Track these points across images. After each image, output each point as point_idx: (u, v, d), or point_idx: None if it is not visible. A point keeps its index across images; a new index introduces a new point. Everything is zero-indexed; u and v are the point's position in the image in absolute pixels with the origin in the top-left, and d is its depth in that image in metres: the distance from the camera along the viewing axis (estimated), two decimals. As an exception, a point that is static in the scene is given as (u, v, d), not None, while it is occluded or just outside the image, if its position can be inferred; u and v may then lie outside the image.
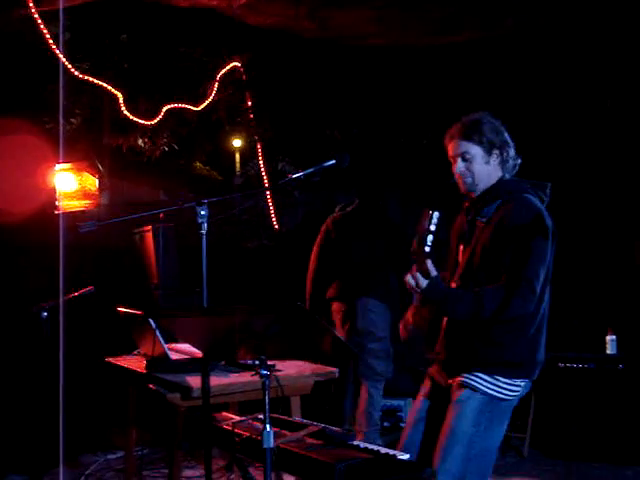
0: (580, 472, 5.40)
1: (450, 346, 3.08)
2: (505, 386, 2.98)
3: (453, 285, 3.10)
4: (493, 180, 3.11)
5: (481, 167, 3.08)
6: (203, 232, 3.07)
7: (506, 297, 2.86)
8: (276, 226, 6.98)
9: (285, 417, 3.17)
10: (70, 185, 6.07)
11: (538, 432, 5.82)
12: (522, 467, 5.53)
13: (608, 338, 5.81)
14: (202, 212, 3.07)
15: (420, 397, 3.24)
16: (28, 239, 6.10)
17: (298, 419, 3.11)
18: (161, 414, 3.87)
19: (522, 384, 3.02)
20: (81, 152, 6.35)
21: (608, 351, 5.80)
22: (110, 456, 5.71)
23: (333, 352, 2.83)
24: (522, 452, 5.75)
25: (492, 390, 2.97)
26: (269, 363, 2.56)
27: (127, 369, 4.12)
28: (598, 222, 6.63)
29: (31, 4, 5.21)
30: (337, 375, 3.85)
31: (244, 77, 6.88)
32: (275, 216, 6.97)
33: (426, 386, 3.25)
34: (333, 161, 3.17)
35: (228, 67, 6.78)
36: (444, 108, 6.46)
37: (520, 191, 3.06)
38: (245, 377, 3.63)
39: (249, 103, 6.99)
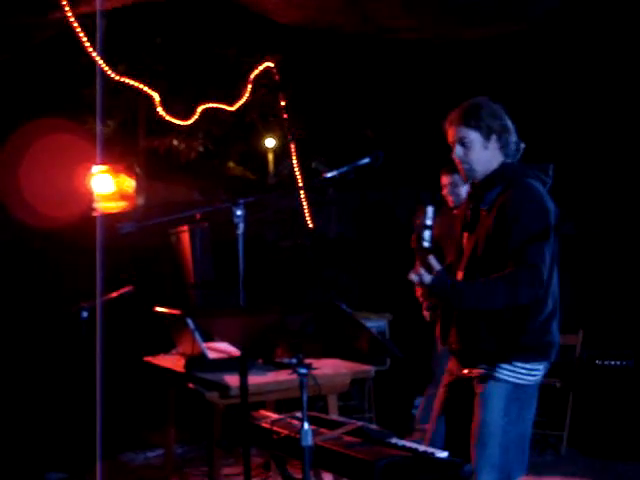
0: (618, 471, 5.34)
1: (463, 336, 3.06)
2: (525, 372, 2.99)
3: (459, 274, 3.08)
4: (494, 165, 3.09)
5: (479, 152, 3.07)
6: (239, 232, 3.09)
7: (514, 285, 2.84)
8: (310, 225, 7.00)
9: (323, 415, 3.19)
10: (107, 187, 6.15)
11: (576, 430, 5.76)
12: (559, 465, 5.49)
13: (647, 335, 5.76)
14: (238, 212, 3.08)
15: (441, 391, 3.25)
16: (68, 241, 6.18)
17: (336, 417, 3.12)
18: (200, 412, 3.91)
19: (541, 367, 3.03)
20: (118, 154, 6.42)
21: (647, 348, 5.74)
22: (149, 454, 5.76)
23: (370, 351, 2.84)
24: (559, 450, 5.71)
25: (514, 378, 2.98)
26: (306, 361, 2.58)
27: (166, 368, 4.17)
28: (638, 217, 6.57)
29: (67, 7, 5.26)
30: (373, 374, 3.85)
31: (277, 77, 6.91)
32: (309, 215, 6.99)
33: (445, 380, 3.26)
34: (368, 159, 3.17)
35: (261, 68, 6.82)
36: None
37: (521, 175, 3.05)
38: (283, 376, 3.66)
39: (282, 103, 7.02)
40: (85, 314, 4.54)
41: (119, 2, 5.51)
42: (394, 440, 2.73)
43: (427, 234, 2.76)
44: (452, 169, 4.40)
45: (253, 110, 6.97)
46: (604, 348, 5.81)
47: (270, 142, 7.50)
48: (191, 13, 6.34)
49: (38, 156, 5.98)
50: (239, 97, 6.73)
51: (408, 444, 2.68)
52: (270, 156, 7.66)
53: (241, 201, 3.10)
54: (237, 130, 7.18)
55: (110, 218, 6.05)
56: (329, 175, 3.20)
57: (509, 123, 3.12)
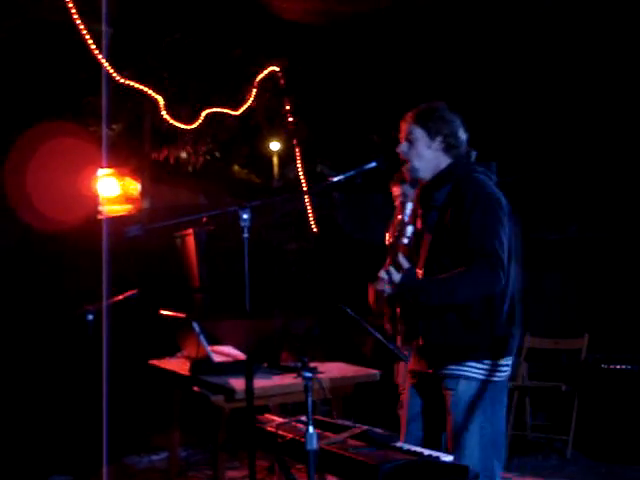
0: (623, 475, 5.33)
1: (428, 334, 3.06)
2: (495, 368, 3.01)
3: (419, 273, 3.08)
4: (439, 166, 3.13)
5: (422, 150, 3.12)
6: (245, 236, 3.10)
7: (479, 276, 2.89)
8: (314, 229, 7.01)
9: (328, 419, 3.19)
10: (113, 190, 6.16)
11: (581, 434, 5.75)
12: (565, 469, 5.48)
13: (652, 339, 5.75)
14: (244, 216, 3.08)
15: (407, 393, 3.25)
16: (73, 244, 6.21)
17: (341, 421, 3.12)
18: (205, 416, 3.92)
19: (509, 362, 3.06)
20: (123, 157, 6.44)
21: (652, 352, 5.74)
22: (154, 457, 5.76)
23: (375, 355, 2.85)
24: (565, 454, 5.70)
25: (485, 375, 3.00)
26: (312, 365, 2.58)
27: (171, 372, 4.17)
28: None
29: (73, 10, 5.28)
30: (379, 377, 3.85)
31: (282, 82, 6.92)
32: (314, 219, 7.00)
33: (410, 381, 3.25)
34: (374, 163, 3.18)
35: (266, 72, 6.83)
36: (482, 108, 6.45)
37: (470, 172, 3.10)
38: (288, 379, 3.66)
39: (287, 107, 7.03)
40: (91, 317, 4.55)
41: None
42: (399, 444, 2.73)
43: (410, 230, 2.76)
44: (400, 179, 4.41)
45: (258, 114, 6.97)
46: (609, 352, 5.81)
47: (275, 146, 7.51)
48: (196, 17, 6.35)
49: (44, 160, 6.00)
50: (244, 101, 6.74)
51: (413, 448, 2.67)
52: (275, 160, 7.67)
53: (248, 205, 3.11)
54: (242, 134, 7.19)
55: (115, 221, 6.06)
56: (335, 179, 3.20)
57: (461, 133, 3.17)
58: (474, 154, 3.20)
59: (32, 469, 5.44)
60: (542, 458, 5.71)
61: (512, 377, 6.27)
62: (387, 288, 3.01)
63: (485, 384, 3.00)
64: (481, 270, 2.89)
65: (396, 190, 4.81)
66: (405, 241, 2.78)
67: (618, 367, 5.69)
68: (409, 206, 2.77)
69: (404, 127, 3.19)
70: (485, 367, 3.00)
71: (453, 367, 3.02)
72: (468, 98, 6.40)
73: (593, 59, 6.26)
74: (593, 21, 6.00)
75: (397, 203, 4.87)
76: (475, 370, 3.00)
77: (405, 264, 2.84)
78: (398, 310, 3.18)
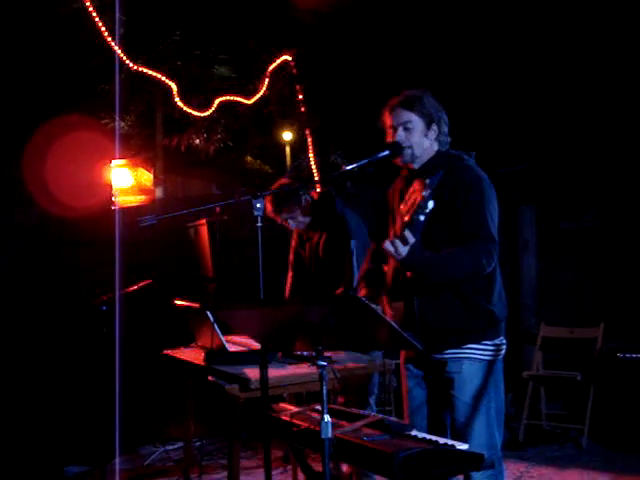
0: (639, 464, 5.32)
1: (426, 316, 3.09)
2: (494, 348, 3.10)
3: None
4: (430, 153, 3.19)
5: (420, 139, 3.17)
6: (259, 225, 3.09)
7: (476, 255, 2.98)
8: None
9: (342, 407, 3.18)
10: (126, 181, 6.17)
11: (597, 424, 5.73)
12: (580, 459, 5.46)
13: (668, 328, 5.71)
14: (258, 205, 3.09)
15: (409, 382, 3.28)
16: (88, 234, 6.23)
17: (355, 410, 3.11)
18: (219, 405, 3.92)
19: (504, 340, 3.15)
20: (136, 148, 6.45)
21: (668, 341, 5.70)
22: (169, 447, 5.78)
23: (389, 344, 2.83)
24: (581, 444, 5.68)
25: (486, 356, 3.09)
26: (327, 354, 2.57)
27: (186, 361, 4.17)
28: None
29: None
30: (393, 366, 3.84)
31: (294, 71, 6.90)
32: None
33: (410, 369, 3.28)
34: (387, 152, 3.16)
35: (278, 61, 6.80)
36: (498, 96, 6.42)
37: (461, 159, 3.18)
38: (302, 369, 3.66)
39: (300, 97, 7.01)
40: (104, 307, 4.56)
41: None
42: (414, 432, 2.72)
43: (430, 205, 2.75)
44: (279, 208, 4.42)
45: (271, 103, 6.96)
46: (625, 341, 5.77)
47: (287, 135, 7.49)
48: (210, 7, 6.34)
49: (60, 150, 6.03)
50: (257, 91, 6.72)
51: (428, 436, 2.66)
52: (288, 149, 7.66)
53: (261, 194, 3.11)
54: (254, 123, 7.18)
55: (129, 211, 6.08)
56: (348, 168, 3.19)
57: (445, 116, 3.24)
58: (450, 140, 3.26)
59: (47, 460, 5.47)
60: (558, 447, 5.69)
61: (527, 366, 6.32)
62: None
63: (486, 365, 3.10)
64: (479, 248, 2.99)
65: (284, 214, 4.68)
66: (422, 218, 2.76)
67: (634, 356, 5.66)
68: (429, 182, 2.75)
69: (394, 115, 3.21)
70: (485, 348, 3.09)
71: (454, 350, 3.08)
72: (483, 85, 6.37)
73: (611, 46, 6.21)
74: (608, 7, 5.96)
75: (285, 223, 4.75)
76: (476, 352, 3.08)
77: (411, 238, 2.83)
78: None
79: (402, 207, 3.15)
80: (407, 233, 2.82)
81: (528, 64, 6.48)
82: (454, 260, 2.99)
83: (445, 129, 3.22)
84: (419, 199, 2.75)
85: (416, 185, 2.83)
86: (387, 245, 2.90)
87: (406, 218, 2.83)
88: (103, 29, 5.40)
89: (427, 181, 2.74)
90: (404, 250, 2.86)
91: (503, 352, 3.15)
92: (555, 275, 7.12)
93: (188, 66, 6.62)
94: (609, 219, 6.78)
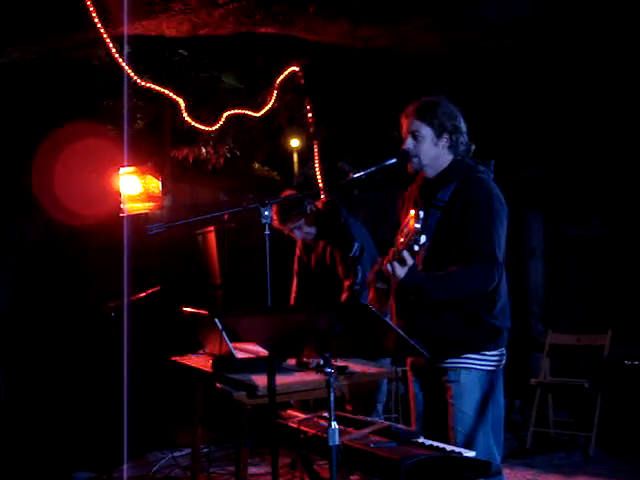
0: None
1: (426, 329, 3.11)
2: (494, 358, 3.12)
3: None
4: (444, 163, 3.20)
5: (429, 148, 3.17)
6: (267, 232, 3.11)
7: (475, 275, 3.00)
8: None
9: (350, 415, 3.19)
10: (134, 188, 6.19)
11: (604, 431, 5.72)
12: (588, 466, 5.45)
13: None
14: (266, 213, 3.10)
15: (412, 391, 3.31)
16: (96, 241, 6.26)
17: (363, 417, 3.13)
18: (227, 412, 3.93)
19: (504, 351, 3.16)
20: (145, 156, 6.48)
21: (676, 348, 5.69)
22: (177, 453, 5.79)
23: (396, 351, 2.84)
24: (588, 451, 5.67)
25: (485, 366, 3.10)
26: (333, 362, 2.58)
27: (194, 368, 4.18)
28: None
29: (101, 29, 5.28)
30: (400, 374, 3.85)
31: (302, 81, 6.92)
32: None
33: (412, 377, 3.31)
34: (394, 160, 3.18)
35: (286, 72, 6.82)
36: (505, 104, 6.42)
37: (473, 172, 3.17)
38: (310, 375, 3.67)
39: (307, 107, 7.02)
40: (113, 314, 4.58)
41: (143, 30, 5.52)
42: (421, 440, 2.73)
43: (423, 239, 2.77)
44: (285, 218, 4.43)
45: (280, 115, 6.98)
46: (633, 348, 5.76)
47: (295, 143, 7.51)
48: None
49: (69, 159, 6.07)
50: (265, 103, 6.74)
51: (435, 443, 2.67)
52: (295, 156, 7.68)
53: (269, 202, 3.12)
54: (263, 132, 7.20)
55: (137, 219, 6.10)
56: (356, 175, 3.21)
57: (462, 125, 3.23)
58: (473, 148, 3.26)
59: (56, 466, 5.48)
60: (565, 455, 5.68)
61: (535, 373, 6.31)
62: (381, 285, 3.11)
63: (485, 375, 3.11)
64: (480, 269, 3.01)
65: (290, 225, 4.68)
66: (416, 248, 2.79)
67: (642, 363, 5.65)
68: (422, 213, 2.77)
69: (407, 123, 3.22)
70: (484, 358, 3.10)
71: (453, 360, 3.11)
72: (490, 93, 6.38)
73: (618, 54, 6.20)
74: (617, 17, 5.95)
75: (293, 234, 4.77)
76: (476, 362, 3.09)
77: (409, 260, 2.86)
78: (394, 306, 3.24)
79: (400, 231, 3.14)
80: (405, 254, 2.85)
81: (536, 71, 6.48)
82: (454, 282, 3.01)
83: (462, 138, 3.20)
84: (412, 232, 2.76)
85: (411, 213, 2.82)
86: (387, 266, 2.94)
87: (402, 239, 2.85)
88: (111, 46, 5.41)
89: (420, 213, 2.75)
90: (402, 272, 2.90)
91: (503, 362, 3.16)
92: (562, 282, 7.11)
93: (196, 80, 6.65)
94: (616, 226, 6.77)
